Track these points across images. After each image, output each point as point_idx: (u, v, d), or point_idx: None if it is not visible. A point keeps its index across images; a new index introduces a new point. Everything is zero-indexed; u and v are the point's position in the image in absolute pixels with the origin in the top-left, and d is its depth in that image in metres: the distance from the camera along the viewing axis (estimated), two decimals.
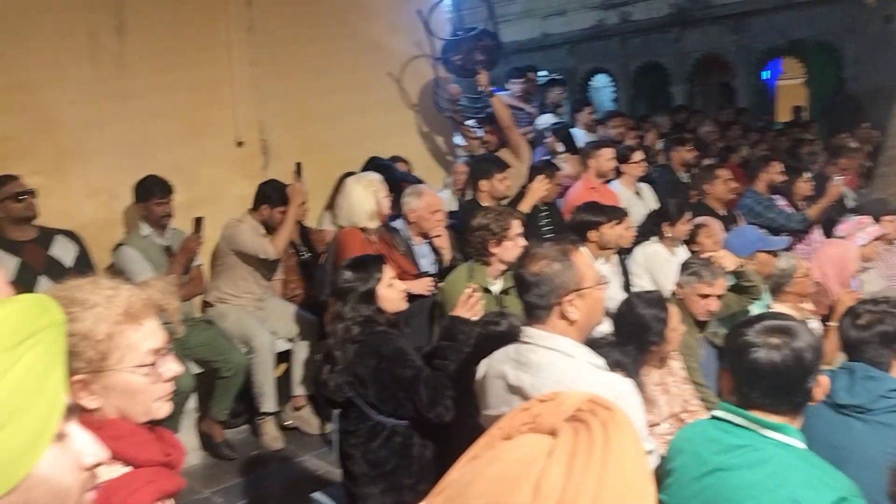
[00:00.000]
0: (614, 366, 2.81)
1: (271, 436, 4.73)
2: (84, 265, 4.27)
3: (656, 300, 3.06)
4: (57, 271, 4.10)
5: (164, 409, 1.53)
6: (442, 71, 6.16)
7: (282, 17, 5.45)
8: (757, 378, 1.87)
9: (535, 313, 2.11)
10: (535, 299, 2.08)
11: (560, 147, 6.66)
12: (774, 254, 4.15)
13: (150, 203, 4.45)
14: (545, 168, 5.49)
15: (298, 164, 4.71)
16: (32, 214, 4.10)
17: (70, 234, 4.30)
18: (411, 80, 6.26)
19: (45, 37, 4.45)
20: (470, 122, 6.23)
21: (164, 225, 4.53)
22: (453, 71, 6.04)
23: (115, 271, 4.37)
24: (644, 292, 3.22)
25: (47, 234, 4.19)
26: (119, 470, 1.42)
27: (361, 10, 5.86)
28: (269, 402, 4.69)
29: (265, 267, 4.84)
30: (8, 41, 4.31)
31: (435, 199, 4.48)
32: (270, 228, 4.70)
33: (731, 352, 1.93)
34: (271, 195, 4.68)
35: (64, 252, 4.19)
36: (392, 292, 2.86)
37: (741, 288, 3.74)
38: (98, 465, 0.92)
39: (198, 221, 4.45)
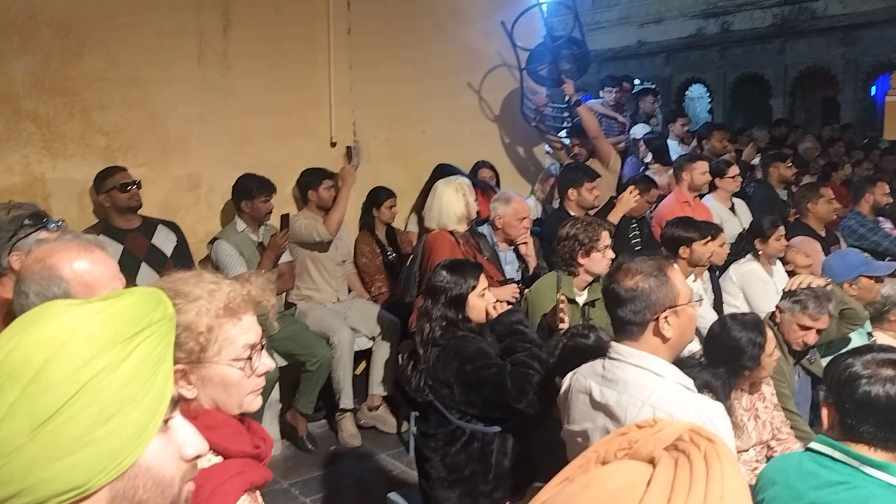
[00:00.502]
0: (703, 387, 2.72)
1: (349, 432, 4.80)
2: (182, 255, 4.45)
3: (753, 323, 2.95)
4: (157, 260, 4.29)
5: (256, 403, 1.57)
6: (528, 80, 6.07)
7: (379, 21, 5.53)
8: (868, 411, 1.78)
9: (627, 329, 2.06)
10: (629, 315, 2.03)
11: (649, 157, 6.54)
12: (879, 280, 3.95)
13: (255, 201, 4.57)
14: (640, 181, 5.40)
15: (349, 148, 4.95)
16: (137, 204, 4.30)
17: (171, 225, 4.48)
18: (502, 87, 6.24)
19: (156, 35, 4.65)
20: (558, 133, 6.14)
21: (263, 222, 4.67)
22: (538, 80, 5.94)
23: (212, 264, 4.53)
24: (740, 314, 3.10)
25: (150, 224, 4.38)
26: (211, 459, 1.46)
27: (458, 15, 5.89)
28: (347, 399, 4.77)
29: (333, 261, 4.95)
30: (122, 38, 4.54)
31: (522, 205, 4.46)
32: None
33: (838, 383, 1.84)
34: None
35: (165, 242, 4.38)
36: (481, 302, 2.86)
37: (842, 314, 3.57)
38: (199, 456, 0.94)
39: (284, 218, 4.58)
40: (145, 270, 4.22)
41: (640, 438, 0.84)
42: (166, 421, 0.90)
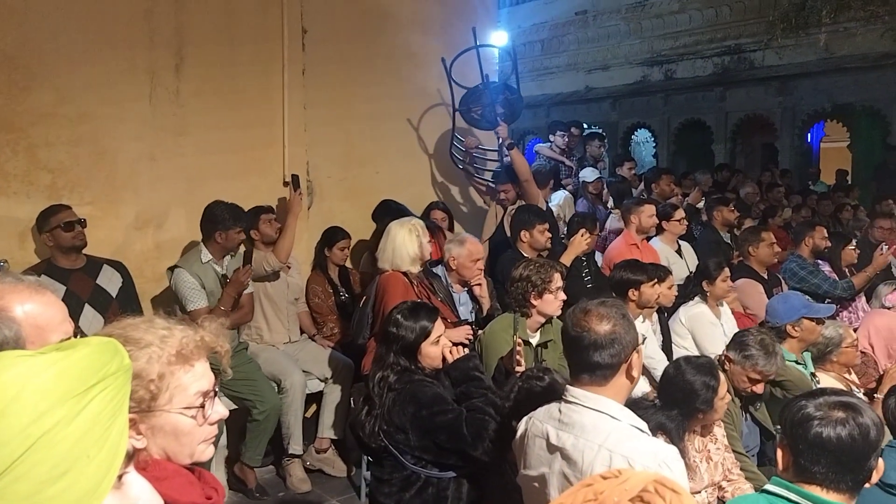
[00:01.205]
0: (657, 429, 2.74)
1: (298, 478, 4.69)
2: (128, 296, 4.32)
3: (707, 367, 2.99)
4: (102, 301, 4.16)
5: (208, 452, 1.52)
6: (459, 121, 6.02)
7: (334, 63, 5.56)
8: (820, 453, 1.81)
9: (599, 373, 2.05)
10: (606, 359, 2.03)
11: (611, 202, 6.67)
12: (820, 321, 4.06)
13: (230, 231, 4.42)
14: (585, 221, 5.47)
15: (294, 176, 4.90)
16: (81, 244, 4.17)
17: (117, 265, 4.36)
18: (465, 129, 6.29)
19: (106, 72, 4.59)
20: (486, 176, 6.08)
21: (231, 253, 4.53)
22: (470, 122, 5.94)
23: (158, 302, 4.42)
24: (694, 357, 3.14)
25: (95, 264, 4.26)
26: None
27: (412, 58, 5.96)
28: (296, 444, 4.67)
29: (286, 300, 4.90)
30: (71, 74, 4.46)
31: (476, 247, 4.47)
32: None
33: (791, 424, 1.88)
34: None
35: (110, 282, 4.25)
36: (435, 350, 2.84)
37: (780, 383, 3.67)
38: None
39: (247, 254, 4.53)
40: (89, 312, 4.08)
41: (606, 490, 0.83)
42: (120, 476, 0.86)
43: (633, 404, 3.00)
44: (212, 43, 5.00)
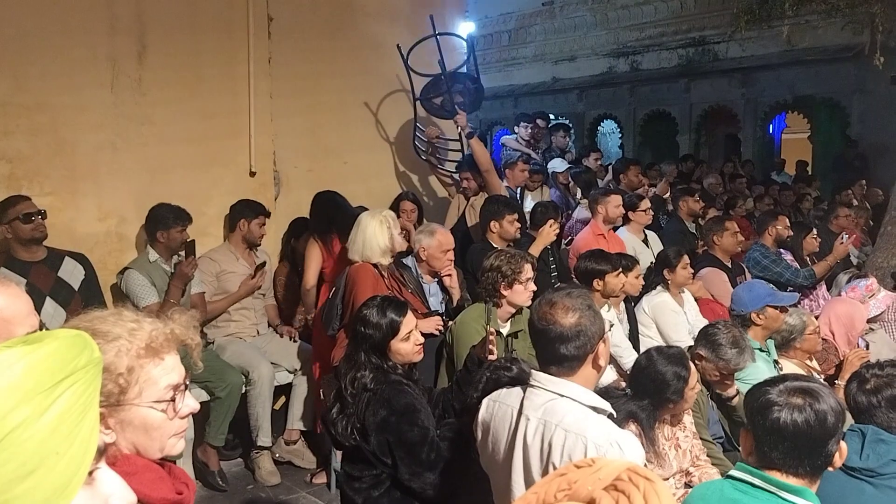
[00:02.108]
0: (628, 418, 2.79)
1: (267, 470, 4.66)
2: (91, 289, 4.25)
3: (678, 357, 3.02)
4: (64, 294, 4.08)
5: (179, 446, 1.50)
6: (421, 111, 6.00)
7: (301, 52, 5.50)
8: (778, 438, 1.85)
9: (567, 365, 2.07)
10: (572, 351, 2.05)
11: (578, 192, 6.71)
12: (784, 309, 4.14)
13: (171, 231, 4.44)
14: (549, 211, 5.50)
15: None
16: (41, 235, 4.08)
17: (79, 257, 4.28)
18: (426, 119, 6.29)
19: (66, 60, 4.49)
20: (449, 166, 6.02)
21: (177, 252, 4.54)
22: (431, 111, 5.88)
23: (122, 295, 4.35)
24: (666, 348, 3.18)
25: (56, 256, 4.17)
26: None
27: (379, 48, 5.92)
28: (265, 436, 4.64)
29: (253, 294, 4.87)
30: (29, 62, 4.35)
31: (447, 238, 4.47)
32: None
33: (753, 411, 1.91)
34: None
35: (72, 275, 4.17)
36: (407, 346, 2.82)
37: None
38: None
39: (189, 245, 4.47)
40: (50, 306, 4.01)
41: (580, 479, 0.84)
42: (91, 472, 0.85)
43: (604, 393, 3.04)
44: (175, 30, 4.91)
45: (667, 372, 2.95)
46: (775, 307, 4.07)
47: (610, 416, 2.10)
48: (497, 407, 2.26)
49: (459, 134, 5.68)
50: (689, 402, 3.05)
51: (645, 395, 2.92)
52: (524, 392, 2.17)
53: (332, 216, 4.80)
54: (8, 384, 0.77)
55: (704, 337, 3.56)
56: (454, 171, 5.89)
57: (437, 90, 5.70)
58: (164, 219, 4.46)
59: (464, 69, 5.95)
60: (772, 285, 4.93)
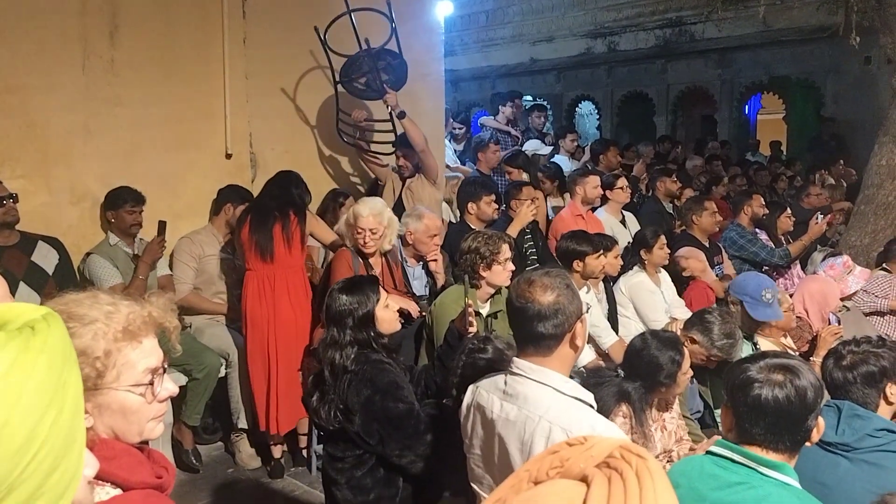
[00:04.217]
0: (620, 397, 2.81)
1: (247, 453, 4.65)
2: (65, 274, 4.21)
3: (673, 342, 3.04)
4: (37, 279, 4.03)
5: (157, 430, 1.48)
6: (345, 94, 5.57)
7: (277, 30, 5.42)
8: (759, 415, 1.87)
9: (545, 344, 2.06)
10: (550, 329, 2.04)
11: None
12: None
13: (120, 211, 4.43)
14: (516, 189, 5.48)
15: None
16: (13, 219, 4.03)
17: (53, 241, 4.23)
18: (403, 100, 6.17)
19: (36, 40, 4.39)
20: (379, 148, 5.69)
21: (133, 234, 4.52)
22: (355, 93, 5.49)
23: (86, 280, 4.31)
24: (661, 332, 3.21)
25: (30, 240, 4.12)
26: (110, 492, 1.37)
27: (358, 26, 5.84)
28: (245, 419, 4.62)
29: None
30: None
31: (434, 222, 4.46)
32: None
33: (733, 388, 1.93)
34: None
35: (46, 259, 4.13)
36: (388, 313, 2.86)
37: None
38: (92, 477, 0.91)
39: (161, 225, 4.45)
40: (24, 290, 3.95)
41: (572, 457, 0.84)
42: None
43: (595, 374, 3.07)
44: (148, 9, 4.82)
45: (661, 356, 2.97)
46: None
47: (591, 406, 2.11)
48: (479, 393, 2.27)
49: (390, 114, 5.38)
50: (681, 387, 3.08)
51: (638, 377, 2.94)
52: (505, 379, 2.17)
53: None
54: (38, 386, 0.76)
55: (700, 322, 3.57)
56: (387, 152, 5.61)
57: (359, 69, 5.38)
58: (116, 199, 4.45)
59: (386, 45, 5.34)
60: (748, 265, 5.01)
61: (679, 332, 3.49)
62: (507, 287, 3.72)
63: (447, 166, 6.89)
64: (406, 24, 5.68)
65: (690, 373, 3.17)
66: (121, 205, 4.43)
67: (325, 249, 4.91)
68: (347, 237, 4.16)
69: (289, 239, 4.33)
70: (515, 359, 2.15)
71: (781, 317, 4.09)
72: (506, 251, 3.80)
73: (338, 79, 5.38)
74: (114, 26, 4.69)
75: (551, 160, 7.70)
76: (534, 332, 2.05)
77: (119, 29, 4.71)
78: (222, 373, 4.60)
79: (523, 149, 7.98)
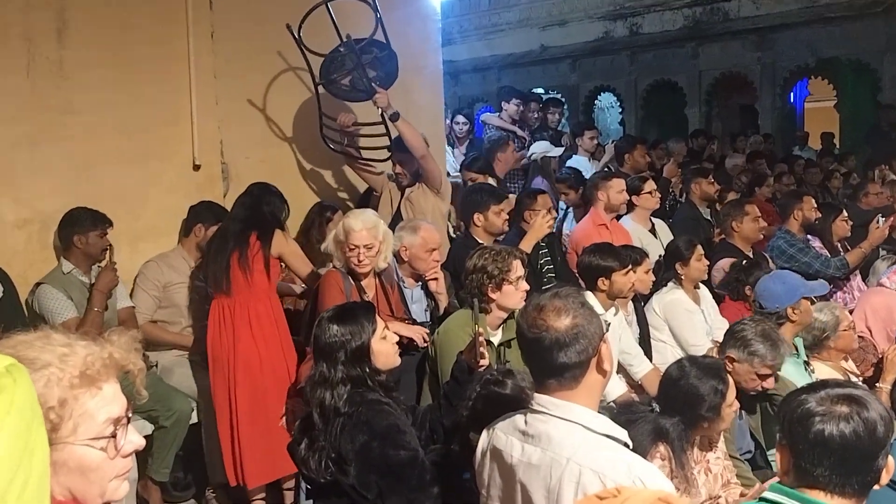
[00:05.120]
0: (657, 436, 2.79)
1: None
2: (11, 307, 4.21)
3: (714, 369, 3.04)
4: None
5: (122, 489, 1.48)
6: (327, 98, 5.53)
7: (249, 23, 5.46)
8: (821, 453, 1.86)
9: (568, 375, 2.05)
10: (573, 357, 2.04)
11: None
12: (813, 301, 4.19)
13: (89, 235, 4.43)
14: (529, 198, 5.50)
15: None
16: None
17: None
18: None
19: None
20: (372, 155, 5.62)
21: (97, 261, 4.53)
22: (339, 95, 5.45)
23: (35, 316, 4.31)
24: (701, 358, 3.20)
25: None
26: None
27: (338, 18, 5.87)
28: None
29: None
30: None
31: (432, 235, 4.46)
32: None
33: (790, 422, 1.92)
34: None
35: None
36: (386, 345, 2.86)
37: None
38: None
39: (108, 250, 4.48)
40: None
41: None
42: None
43: (627, 410, 3.06)
44: (100, 2, 4.85)
45: (702, 385, 2.96)
46: (807, 298, 4.11)
47: (626, 445, 2.10)
48: (496, 436, 2.26)
49: (381, 116, 5.34)
50: (727, 422, 3.07)
51: (675, 411, 2.93)
52: (525, 418, 2.16)
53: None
54: (2, 453, 0.78)
55: (731, 336, 3.58)
56: (381, 159, 5.58)
57: (341, 68, 5.34)
58: (81, 220, 4.45)
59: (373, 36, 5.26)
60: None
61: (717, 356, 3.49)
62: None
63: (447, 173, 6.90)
64: (396, 11, 5.72)
65: (737, 405, 3.15)
66: (89, 227, 4.43)
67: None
68: (337, 256, 4.16)
69: (247, 267, 4.36)
70: (536, 394, 2.15)
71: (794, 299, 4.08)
72: (518, 269, 3.80)
73: (318, 80, 5.37)
74: (62, 22, 4.72)
75: (567, 164, 7.70)
76: (555, 364, 2.05)
77: (68, 25, 4.74)
78: (194, 419, 4.58)
79: (530, 153, 7.99)
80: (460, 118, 8.83)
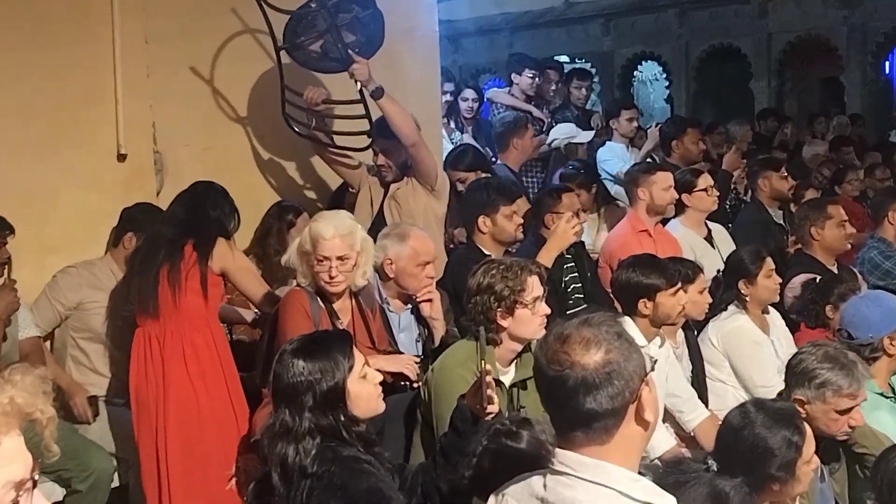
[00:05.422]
0: (713, 499, 2.79)
1: None
2: None
3: (787, 415, 3.02)
4: None
5: None
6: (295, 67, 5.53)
7: None
8: None
9: (599, 426, 2.04)
10: (605, 404, 2.02)
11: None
12: None
13: None
14: (551, 197, 5.52)
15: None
16: None
17: None
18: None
19: None
20: (347, 142, 5.57)
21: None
22: (307, 64, 5.45)
23: None
24: (770, 401, 3.19)
25: None
26: None
27: None
28: None
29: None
30: None
31: (424, 244, 4.46)
32: None
33: (889, 486, 1.93)
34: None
35: None
36: (367, 387, 2.86)
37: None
38: None
39: (6, 265, 4.52)
40: None
41: None
42: None
43: (676, 469, 3.05)
44: None
45: (771, 436, 2.94)
46: None
47: None
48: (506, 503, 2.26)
49: (360, 92, 5.27)
50: (804, 484, 3.05)
51: (738, 470, 2.92)
52: (545, 481, 2.17)
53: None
54: None
55: (792, 374, 3.59)
56: (359, 147, 5.53)
57: (311, 29, 5.28)
58: None
59: None
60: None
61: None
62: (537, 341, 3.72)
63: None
64: None
65: (817, 462, 3.15)
66: None
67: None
68: (302, 272, 4.16)
69: (178, 285, 4.36)
70: (560, 451, 2.15)
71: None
72: (534, 287, 3.78)
73: (280, 44, 5.35)
74: None
75: (599, 153, 7.70)
76: (580, 411, 2.04)
77: None
78: (116, 480, 4.59)
79: (550, 138, 7.97)
80: (469, 93, 8.77)
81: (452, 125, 8.47)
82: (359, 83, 5.19)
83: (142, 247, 4.51)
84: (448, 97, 8.42)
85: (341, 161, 5.59)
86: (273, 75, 5.51)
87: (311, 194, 6.04)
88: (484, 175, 6.33)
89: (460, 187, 6.08)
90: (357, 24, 5.29)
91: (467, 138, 8.25)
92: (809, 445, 3.04)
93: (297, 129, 5.57)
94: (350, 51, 5.14)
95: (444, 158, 7.00)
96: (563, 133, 8.08)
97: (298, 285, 4.22)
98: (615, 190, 7.13)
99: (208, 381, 4.37)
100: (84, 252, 5.03)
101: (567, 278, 5.32)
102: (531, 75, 8.56)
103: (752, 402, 3.20)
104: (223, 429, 4.34)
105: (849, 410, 3.50)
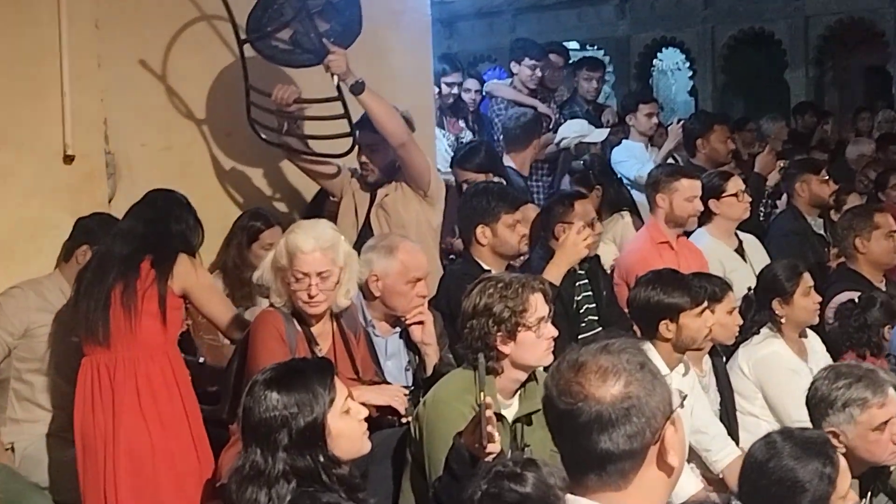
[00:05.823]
0: None
1: None
2: None
3: (817, 445, 3.05)
4: None
5: None
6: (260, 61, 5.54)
7: None
8: None
9: (613, 468, 2.05)
10: (623, 444, 2.01)
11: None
12: None
13: None
14: (562, 205, 5.52)
15: None
16: None
17: None
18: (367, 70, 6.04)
19: None
20: (324, 147, 5.57)
21: None
22: (274, 58, 5.43)
23: None
24: (798, 430, 3.21)
25: None
26: None
27: None
28: None
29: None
30: None
31: (416, 258, 4.48)
32: None
33: None
34: None
35: None
36: (350, 423, 2.86)
37: None
38: None
39: None
40: None
41: None
42: None
43: None
44: None
45: (801, 469, 2.96)
46: None
47: None
48: None
49: (338, 88, 5.25)
50: None
51: None
52: None
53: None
54: None
55: (813, 406, 3.62)
56: (338, 152, 5.50)
57: (278, 18, 5.28)
58: None
59: None
60: None
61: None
62: (545, 370, 3.72)
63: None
64: None
65: (854, 498, 3.16)
66: None
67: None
68: (276, 290, 4.16)
69: (133, 307, 4.33)
70: (570, 497, 2.16)
71: None
72: (538, 306, 3.78)
73: (244, 36, 5.33)
74: None
75: (614, 152, 7.72)
76: (594, 452, 2.04)
77: None
78: None
79: (559, 137, 7.96)
80: (472, 83, 8.79)
81: (462, 123, 8.45)
82: (336, 77, 5.17)
83: (90, 264, 4.48)
84: (454, 90, 8.43)
85: (318, 170, 5.61)
86: (237, 71, 5.50)
87: (285, 201, 6.04)
88: (496, 179, 6.28)
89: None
90: (331, 9, 5.29)
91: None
92: (844, 478, 3.05)
93: (264, 137, 5.54)
94: (324, 40, 5.12)
95: (442, 159, 7.05)
96: (574, 131, 8.04)
97: (272, 305, 4.22)
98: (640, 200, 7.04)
99: (164, 418, 4.34)
100: (22, 269, 5.01)
101: (579, 298, 5.33)
102: (531, 65, 8.55)
103: (778, 431, 3.21)
104: (182, 473, 4.33)
105: (885, 424, 3.52)
